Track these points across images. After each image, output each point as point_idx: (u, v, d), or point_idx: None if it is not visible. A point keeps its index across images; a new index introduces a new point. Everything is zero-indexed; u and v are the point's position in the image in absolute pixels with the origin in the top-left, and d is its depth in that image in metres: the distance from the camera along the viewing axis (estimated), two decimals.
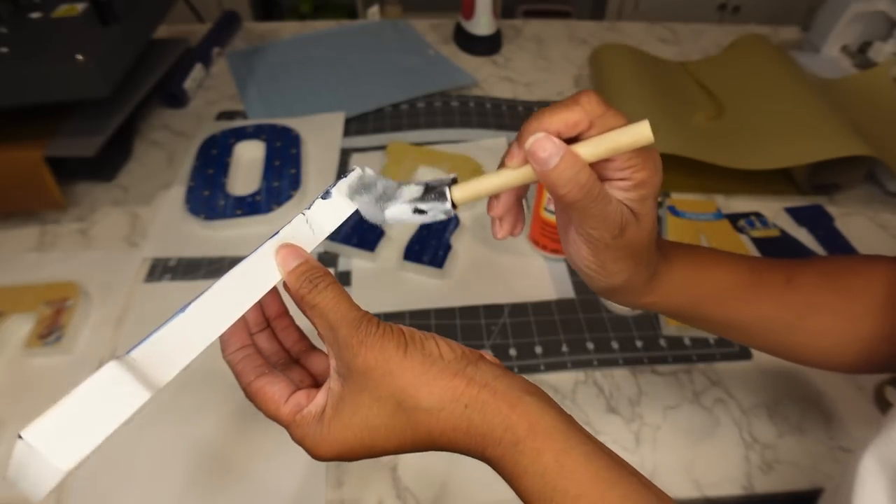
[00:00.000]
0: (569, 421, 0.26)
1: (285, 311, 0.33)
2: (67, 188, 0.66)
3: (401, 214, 0.29)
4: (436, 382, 0.26)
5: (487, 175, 0.28)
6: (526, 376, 0.51)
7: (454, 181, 0.29)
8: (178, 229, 0.63)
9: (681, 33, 0.99)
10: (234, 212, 0.63)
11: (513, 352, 0.52)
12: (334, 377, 0.27)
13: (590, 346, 0.53)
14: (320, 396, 0.28)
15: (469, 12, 0.89)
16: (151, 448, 0.46)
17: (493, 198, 0.30)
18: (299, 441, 0.28)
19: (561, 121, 0.26)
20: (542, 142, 0.26)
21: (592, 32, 0.99)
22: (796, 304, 0.36)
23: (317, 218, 0.29)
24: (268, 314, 0.33)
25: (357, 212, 0.30)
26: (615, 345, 0.53)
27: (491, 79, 0.87)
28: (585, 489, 0.24)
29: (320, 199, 0.29)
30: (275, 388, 0.28)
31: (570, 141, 0.26)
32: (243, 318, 0.30)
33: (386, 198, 0.29)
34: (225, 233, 0.63)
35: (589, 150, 0.26)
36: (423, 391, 0.26)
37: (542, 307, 0.56)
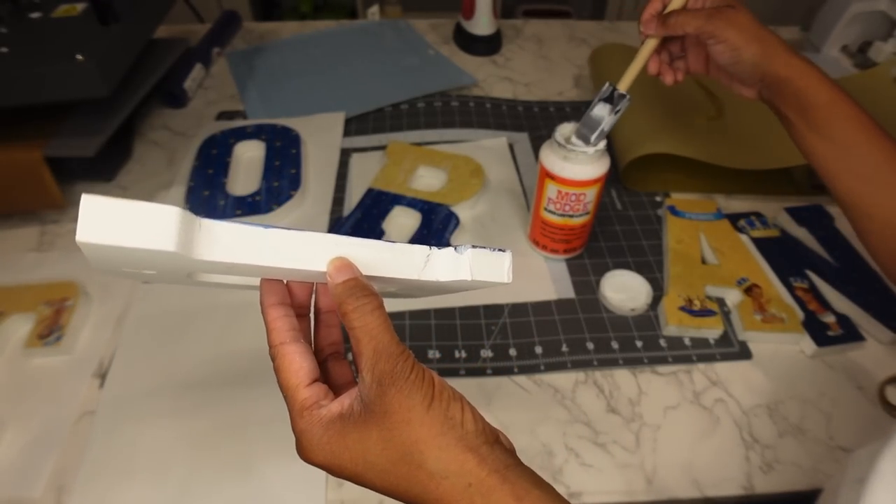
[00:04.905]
0: None
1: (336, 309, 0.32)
2: (67, 188, 0.65)
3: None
4: (448, 449, 0.25)
5: (634, 61, 0.51)
6: (526, 376, 0.52)
7: (613, 87, 0.50)
8: None
9: None
10: (234, 212, 0.63)
11: (513, 352, 0.52)
12: (357, 398, 0.27)
13: (590, 346, 0.53)
14: (336, 405, 0.27)
15: (469, 12, 0.89)
16: (151, 447, 0.46)
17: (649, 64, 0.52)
18: (298, 431, 0.27)
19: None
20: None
21: (592, 32, 0.99)
22: None
23: (437, 261, 0.29)
24: (321, 305, 0.32)
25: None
26: (615, 345, 0.53)
27: (491, 79, 0.87)
28: None
29: (452, 249, 0.29)
30: (304, 364, 0.28)
31: None
32: (285, 284, 0.30)
33: None
34: None
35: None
36: (434, 453, 0.25)
37: (542, 307, 0.56)
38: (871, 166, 0.44)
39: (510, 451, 0.27)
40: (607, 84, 0.51)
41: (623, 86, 0.51)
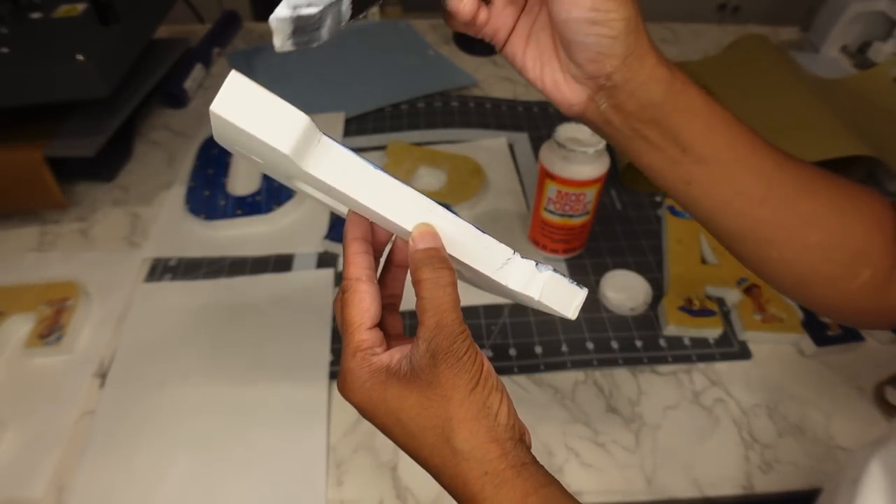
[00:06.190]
0: None
1: (406, 266, 0.33)
2: (68, 188, 0.66)
3: None
4: (478, 434, 0.26)
5: None
6: (526, 376, 0.52)
7: None
8: (178, 229, 0.63)
9: (681, 33, 0.99)
10: (234, 212, 0.63)
11: (513, 352, 0.52)
12: (406, 357, 0.28)
13: (590, 346, 0.53)
14: (387, 356, 0.28)
15: None
16: (151, 447, 0.46)
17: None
18: (345, 369, 0.28)
19: None
20: None
21: None
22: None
23: (514, 267, 0.28)
24: (395, 258, 0.33)
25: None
26: (615, 345, 0.53)
27: (491, 79, 0.87)
28: None
29: (533, 263, 0.28)
30: (371, 306, 0.28)
31: None
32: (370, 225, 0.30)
33: None
34: (225, 233, 0.63)
35: None
36: (463, 434, 0.26)
37: None
38: (763, 184, 0.35)
39: (528, 449, 0.28)
40: None
41: None
